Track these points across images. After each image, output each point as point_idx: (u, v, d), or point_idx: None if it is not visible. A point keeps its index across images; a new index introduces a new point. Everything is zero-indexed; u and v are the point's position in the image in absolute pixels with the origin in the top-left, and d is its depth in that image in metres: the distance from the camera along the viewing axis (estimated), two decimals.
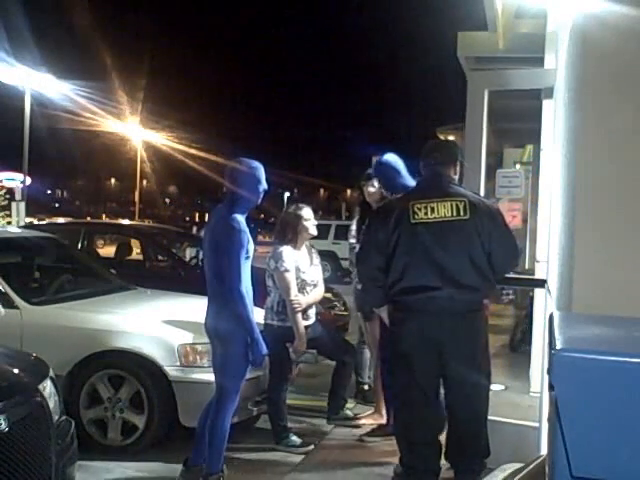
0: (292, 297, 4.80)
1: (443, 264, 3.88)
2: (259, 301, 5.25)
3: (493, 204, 4.21)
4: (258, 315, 5.41)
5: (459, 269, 3.89)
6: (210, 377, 4.39)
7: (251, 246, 4.05)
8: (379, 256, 3.98)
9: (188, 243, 10.89)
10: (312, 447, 4.90)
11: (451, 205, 3.93)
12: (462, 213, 3.91)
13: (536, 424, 4.27)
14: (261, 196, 4.16)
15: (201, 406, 4.32)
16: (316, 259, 5.17)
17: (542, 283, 4.59)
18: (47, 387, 3.30)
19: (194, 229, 32.85)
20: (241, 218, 4.03)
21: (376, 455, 4.77)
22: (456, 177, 4.18)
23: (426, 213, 3.93)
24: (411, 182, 4.59)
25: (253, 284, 4.12)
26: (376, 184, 5.35)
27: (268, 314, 5.00)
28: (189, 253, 10.28)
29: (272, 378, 4.94)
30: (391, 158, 4.67)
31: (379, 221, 4.09)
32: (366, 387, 6.15)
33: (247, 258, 4.02)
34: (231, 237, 3.96)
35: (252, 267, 4.15)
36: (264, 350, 4.06)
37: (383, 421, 5.42)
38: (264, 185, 4.13)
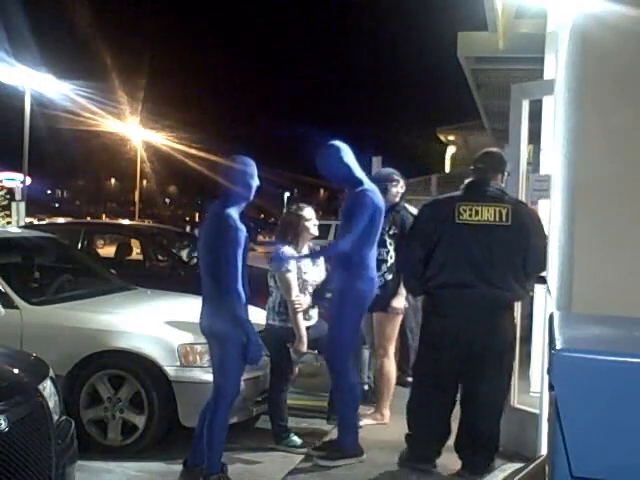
0: (293, 297, 4.79)
1: (480, 264, 4.17)
2: (260, 301, 5.26)
3: (537, 215, 4.47)
4: (259, 315, 5.41)
5: (494, 270, 4.16)
6: (210, 377, 4.39)
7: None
8: (422, 249, 4.30)
9: (186, 243, 10.88)
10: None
11: (494, 210, 4.21)
12: (504, 219, 4.19)
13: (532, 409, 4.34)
14: (253, 192, 4.21)
15: (201, 406, 4.32)
16: (319, 259, 5.17)
17: (542, 280, 4.64)
18: (47, 387, 3.30)
19: (187, 227, 32.82)
20: (235, 215, 4.06)
21: (376, 455, 4.76)
22: (503, 185, 4.47)
23: (470, 215, 4.22)
24: (359, 172, 4.54)
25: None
26: (402, 182, 5.50)
27: (269, 314, 4.99)
28: (183, 254, 10.27)
29: (273, 378, 4.94)
30: (337, 144, 4.57)
31: (425, 217, 4.48)
32: (366, 387, 6.14)
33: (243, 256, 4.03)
34: (228, 234, 3.98)
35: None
36: (261, 349, 4.08)
37: (385, 421, 5.43)
38: (256, 181, 4.21)
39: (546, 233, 4.31)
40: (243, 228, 4.03)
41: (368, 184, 4.57)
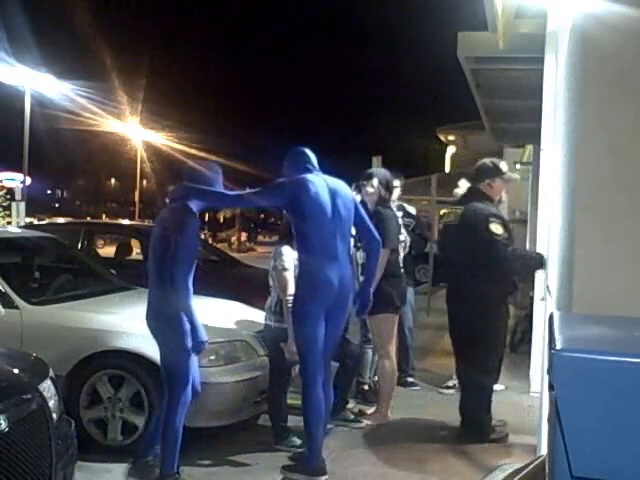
0: (287, 296, 4.78)
1: (449, 258, 5.30)
2: (261, 302, 5.25)
3: (481, 215, 4.99)
4: (259, 316, 5.41)
5: (458, 264, 5.04)
6: (210, 377, 4.39)
7: None
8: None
9: None
10: None
11: (455, 212, 5.16)
12: (457, 219, 5.12)
13: None
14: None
15: (201, 406, 4.32)
16: None
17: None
18: (47, 387, 3.29)
19: None
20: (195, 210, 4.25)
21: (376, 456, 4.76)
22: (491, 190, 5.16)
23: (447, 217, 5.61)
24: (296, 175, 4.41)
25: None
26: (375, 184, 5.45)
27: (267, 314, 5.00)
28: None
29: (272, 378, 4.94)
30: (304, 149, 4.53)
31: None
32: (366, 387, 6.15)
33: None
34: (190, 223, 4.18)
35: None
36: (204, 337, 4.09)
37: (386, 421, 5.43)
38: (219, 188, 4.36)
39: (490, 230, 4.82)
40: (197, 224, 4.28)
41: (309, 179, 4.37)
